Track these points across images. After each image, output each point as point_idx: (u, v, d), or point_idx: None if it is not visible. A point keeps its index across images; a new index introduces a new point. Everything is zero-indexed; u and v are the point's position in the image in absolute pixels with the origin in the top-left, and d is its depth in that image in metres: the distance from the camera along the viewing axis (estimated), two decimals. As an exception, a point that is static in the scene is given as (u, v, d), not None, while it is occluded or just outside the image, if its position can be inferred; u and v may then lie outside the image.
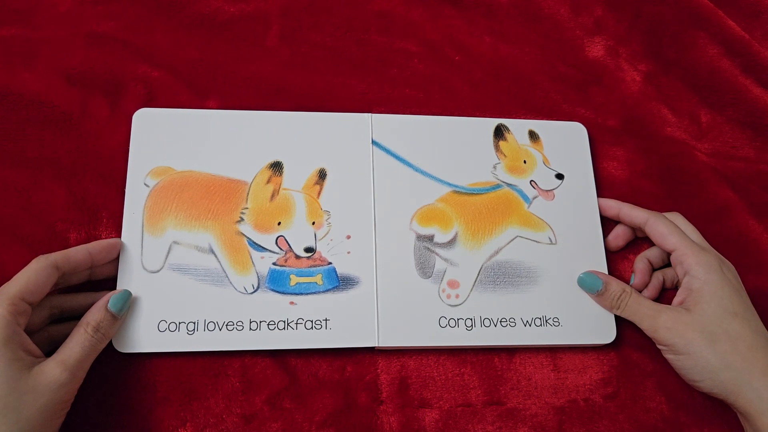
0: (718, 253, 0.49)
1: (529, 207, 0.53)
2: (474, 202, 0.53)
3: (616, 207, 0.53)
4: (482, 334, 0.49)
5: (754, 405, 0.42)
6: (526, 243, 0.52)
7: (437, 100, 0.58)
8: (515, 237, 0.52)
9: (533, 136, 0.56)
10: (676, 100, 0.61)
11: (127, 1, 0.57)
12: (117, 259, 0.47)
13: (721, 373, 0.43)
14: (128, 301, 0.45)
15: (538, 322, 0.50)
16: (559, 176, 0.54)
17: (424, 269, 0.50)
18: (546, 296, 0.51)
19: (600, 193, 0.55)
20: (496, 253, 0.52)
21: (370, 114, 0.54)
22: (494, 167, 0.54)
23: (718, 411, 0.49)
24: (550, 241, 0.52)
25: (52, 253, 0.42)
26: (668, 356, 0.46)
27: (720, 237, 0.53)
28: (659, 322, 0.46)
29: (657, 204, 0.56)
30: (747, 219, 0.56)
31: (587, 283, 0.50)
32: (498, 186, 0.54)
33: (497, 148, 0.55)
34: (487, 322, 0.49)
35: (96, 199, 0.50)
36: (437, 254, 0.51)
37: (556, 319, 0.50)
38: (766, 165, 0.58)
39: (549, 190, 0.54)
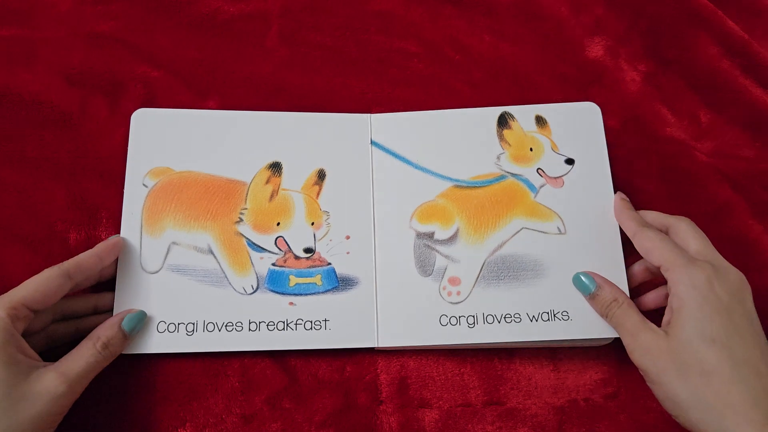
0: (721, 265, 0.43)
1: (535, 196, 0.51)
2: (476, 195, 0.51)
3: (617, 209, 0.50)
4: (485, 331, 0.48)
5: None
6: (532, 234, 0.50)
7: (437, 100, 0.58)
8: (521, 229, 0.50)
9: (540, 121, 0.53)
10: (676, 100, 0.60)
11: (127, 1, 0.57)
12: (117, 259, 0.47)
13: (691, 411, 0.38)
14: (142, 322, 0.45)
15: (545, 316, 0.48)
16: (569, 161, 0.52)
17: (424, 267, 0.50)
18: (554, 289, 0.49)
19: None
20: (500, 246, 0.50)
21: (369, 114, 0.54)
22: (498, 158, 0.52)
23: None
24: (559, 230, 0.50)
25: (64, 262, 0.42)
26: (648, 384, 0.42)
27: (720, 237, 0.52)
28: (637, 342, 0.42)
29: (657, 204, 0.56)
30: (747, 219, 0.56)
31: (581, 284, 0.48)
32: (502, 177, 0.52)
33: (501, 137, 0.53)
34: (490, 319, 0.48)
35: (95, 199, 0.50)
36: (437, 251, 0.50)
37: (565, 313, 0.48)
38: (766, 165, 0.58)
39: (557, 177, 0.52)
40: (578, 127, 0.53)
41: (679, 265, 0.42)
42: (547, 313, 0.48)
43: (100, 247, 0.45)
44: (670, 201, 0.56)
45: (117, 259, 0.47)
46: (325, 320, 0.48)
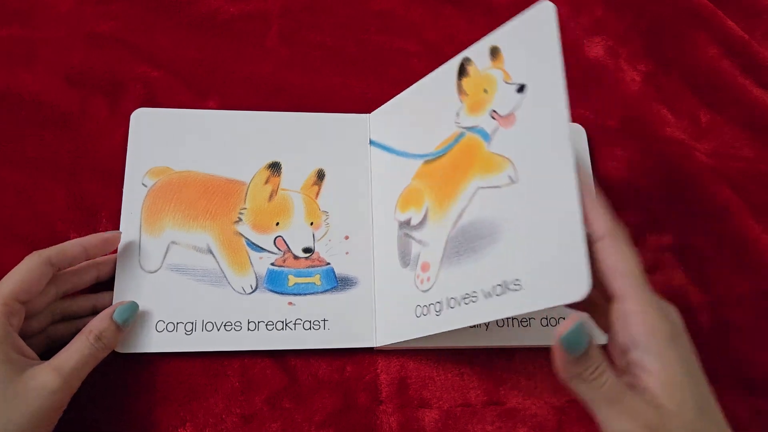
0: (665, 305, 0.35)
1: (489, 146, 0.42)
2: (440, 165, 0.46)
3: (582, 186, 0.36)
4: (450, 317, 0.41)
5: None
6: (487, 193, 0.41)
7: (437, 100, 0.58)
8: (476, 190, 0.42)
9: (494, 53, 0.43)
10: (676, 100, 0.60)
11: (127, 1, 0.57)
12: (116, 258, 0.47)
13: None
14: (135, 313, 0.44)
15: (498, 290, 0.39)
16: (520, 89, 0.40)
17: (404, 258, 0.47)
18: (507, 255, 0.39)
19: (598, 195, 0.53)
20: (460, 216, 0.43)
21: (367, 114, 0.54)
22: (457, 115, 0.45)
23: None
24: (510, 179, 0.40)
25: (46, 249, 0.42)
26: None
27: (720, 237, 0.53)
28: (639, 422, 0.32)
29: (656, 204, 0.56)
30: (747, 219, 0.56)
31: (573, 340, 0.33)
32: (461, 135, 0.44)
33: (460, 89, 0.45)
34: (453, 303, 0.42)
35: (95, 199, 0.50)
36: (413, 238, 0.47)
37: (516, 282, 0.38)
38: (766, 165, 0.58)
39: (508, 114, 0.41)
40: (530, 41, 0.40)
41: (652, 311, 0.34)
42: (501, 285, 0.39)
43: (89, 239, 0.44)
44: (670, 201, 0.56)
45: (116, 259, 0.47)
46: (324, 320, 0.48)
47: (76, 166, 0.51)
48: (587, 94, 0.60)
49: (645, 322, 0.33)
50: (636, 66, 0.61)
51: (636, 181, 0.57)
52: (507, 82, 0.42)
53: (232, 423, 0.46)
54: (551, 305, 0.36)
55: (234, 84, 0.56)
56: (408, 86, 0.58)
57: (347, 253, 0.50)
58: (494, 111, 0.42)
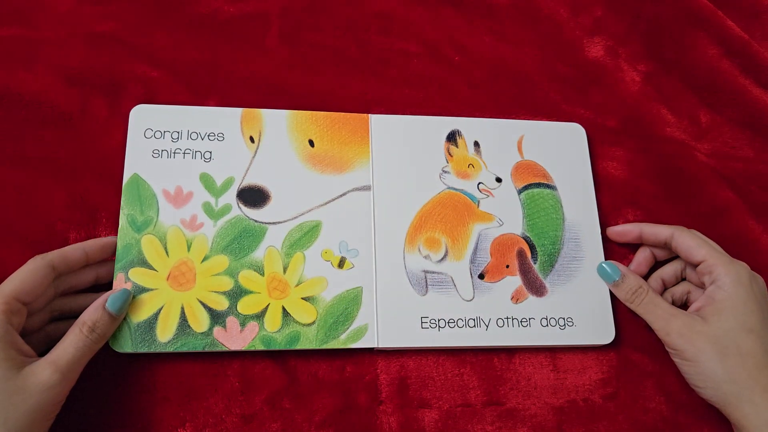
0: (748, 267, 0.48)
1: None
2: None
3: (635, 229, 0.52)
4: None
5: (750, 419, 0.42)
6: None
7: (437, 100, 0.58)
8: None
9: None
10: (676, 101, 0.60)
11: (127, 1, 0.57)
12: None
13: (725, 385, 0.43)
14: (128, 301, 0.45)
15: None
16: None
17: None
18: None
19: (598, 195, 0.54)
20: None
21: (368, 114, 0.54)
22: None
23: (718, 411, 0.49)
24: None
25: (48, 253, 0.42)
26: (676, 360, 0.46)
27: (720, 237, 0.53)
28: (672, 326, 0.46)
29: (657, 204, 0.56)
30: (747, 219, 0.56)
31: (604, 273, 0.50)
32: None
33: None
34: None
35: (95, 199, 0.50)
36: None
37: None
38: (766, 165, 0.58)
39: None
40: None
41: (726, 261, 0.47)
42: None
43: (89, 243, 0.45)
44: (670, 201, 0.56)
45: (114, 260, 0.47)
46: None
47: (76, 166, 0.51)
48: (587, 94, 0.60)
49: (722, 268, 0.46)
50: (636, 66, 0.61)
51: (636, 181, 0.57)
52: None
53: (232, 423, 0.46)
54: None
55: (234, 84, 0.56)
56: (408, 86, 0.58)
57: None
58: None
